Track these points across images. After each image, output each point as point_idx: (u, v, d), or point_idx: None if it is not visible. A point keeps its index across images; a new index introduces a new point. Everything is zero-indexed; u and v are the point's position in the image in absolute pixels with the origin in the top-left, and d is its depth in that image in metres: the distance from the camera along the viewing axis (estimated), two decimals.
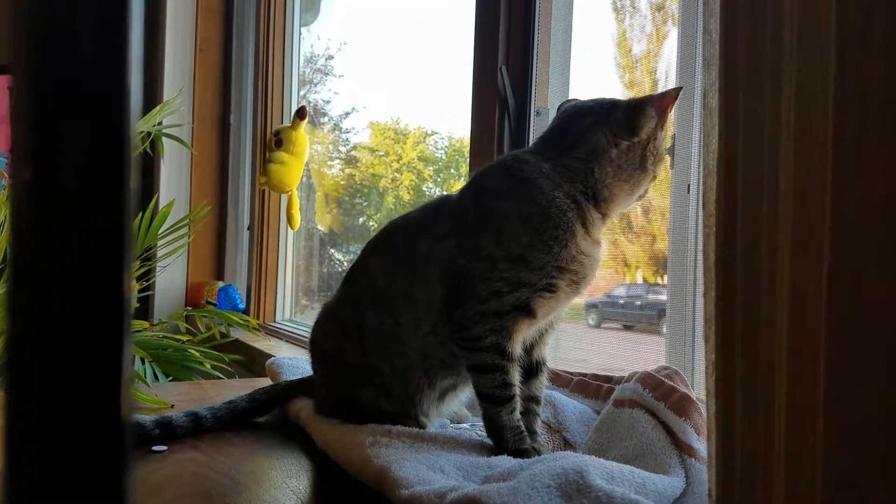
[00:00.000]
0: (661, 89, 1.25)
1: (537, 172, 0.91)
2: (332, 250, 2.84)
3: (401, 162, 2.60)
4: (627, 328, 1.54)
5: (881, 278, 0.48)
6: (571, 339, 1.39)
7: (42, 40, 0.24)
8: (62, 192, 0.25)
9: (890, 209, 0.47)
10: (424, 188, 2.59)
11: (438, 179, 2.56)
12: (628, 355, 1.27)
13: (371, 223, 2.70)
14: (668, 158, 1.15)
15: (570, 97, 1.38)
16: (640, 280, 1.43)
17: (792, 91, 0.53)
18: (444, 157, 2.54)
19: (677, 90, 0.93)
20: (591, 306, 1.52)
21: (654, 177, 0.96)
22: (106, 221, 0.25)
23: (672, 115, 1.16)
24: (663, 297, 1.20)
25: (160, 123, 1.89)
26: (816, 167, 0.50)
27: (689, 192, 1.13)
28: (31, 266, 0.26)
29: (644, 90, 1.30)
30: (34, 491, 0.25)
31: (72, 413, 0.24)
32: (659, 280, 1.33)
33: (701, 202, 0.63)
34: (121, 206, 0.25)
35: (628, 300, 1.50)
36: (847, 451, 0.48)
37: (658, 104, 0.92)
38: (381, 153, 2.64)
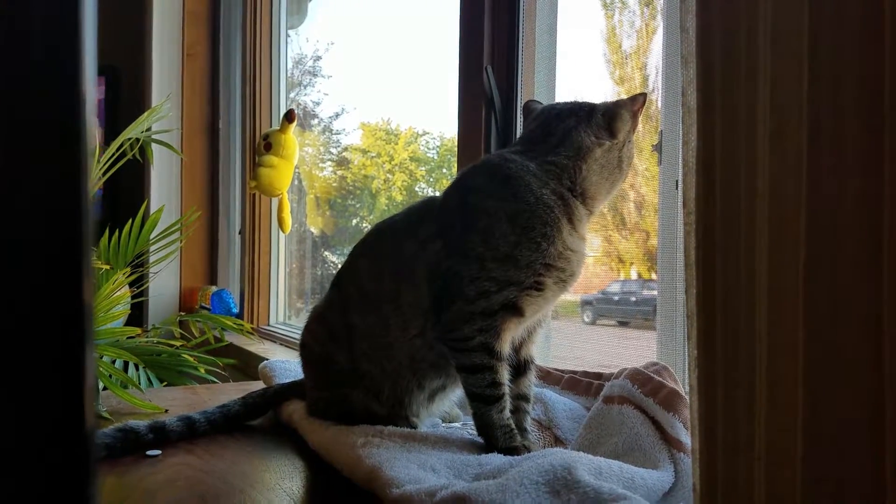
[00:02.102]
0: (651, 84, 1.26)
1: (524, 170, 0.92)
2: (326, 252, 2.84)
3: (393, 163, 2.60)
4: (622, 324, 1.54)
5: (857, 275, 0.48)
6: (567, 336, 1.40)
7: None
8: (16, 197, 0.24)
9: (865, 206, 0.48)
10: (417, 188, 2.58)
11: (431, 179, 2.56)
12: (623, 352, 1.27)
13: (364, 224, 2.70)
14: (655, 155, 1.16)
15: (557, 94, 1.39)
16: (634, 276, 1.44)
17: (767, 89, 0.53)
18: (436, 157, 2.54)
19: (644, 96, 0.98)
20: (586, 303, 1.52)
21: (625, 178, 1.00)
22: (63, 227, 0.24)
23: (659, 113, 1.17)
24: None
25: (149, 129, 1.88)
26: (792, 164, 0.51)
27: (676, 188, 1.14)
28: None
29: (634, 85, 1.31)
30: None
31: (34, 424, 0.24)
32: (653, 276, 1.34)
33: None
34: (78, 212, 0.24)
35: (623, 296, 1.50)
36: (827, 447, 0.49)
37: (630, 108, 0.97)
38: (373, 154, 2.64)
